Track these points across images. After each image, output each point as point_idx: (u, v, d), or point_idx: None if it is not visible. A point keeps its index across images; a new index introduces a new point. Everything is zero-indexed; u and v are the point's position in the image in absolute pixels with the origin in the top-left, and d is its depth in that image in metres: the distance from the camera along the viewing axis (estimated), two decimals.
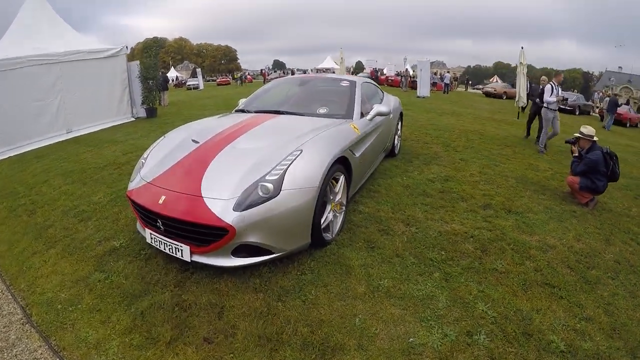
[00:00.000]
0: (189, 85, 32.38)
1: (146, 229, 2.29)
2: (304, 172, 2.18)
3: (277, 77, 6.13)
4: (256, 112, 3.42)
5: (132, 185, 2.44)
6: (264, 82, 34.16)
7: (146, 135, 7.31)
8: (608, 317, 2.04)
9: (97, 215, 3.35)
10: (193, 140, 2.70)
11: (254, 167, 2.22)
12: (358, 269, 2.38)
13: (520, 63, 10.65)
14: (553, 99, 6.23)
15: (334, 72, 35.92)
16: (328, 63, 42.91)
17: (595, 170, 3.59)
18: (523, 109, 10.73)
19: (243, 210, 1.97)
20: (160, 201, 2.12)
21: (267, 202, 2.00)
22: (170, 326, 1.88)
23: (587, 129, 3.79)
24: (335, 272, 2.34)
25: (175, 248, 2.13)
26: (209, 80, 40.75)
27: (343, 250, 2.59)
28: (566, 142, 4.14)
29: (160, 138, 3.01)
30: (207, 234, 2.01)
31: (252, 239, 2.00)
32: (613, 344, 1.84)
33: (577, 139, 3.86)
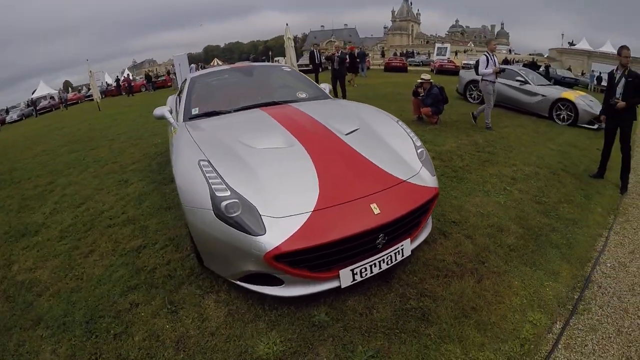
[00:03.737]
0: None
1: (341, 272, 1.90)
2: None
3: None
4: (241, 109, 3.17)
5: (277, 231, 1.81)
6: None
7: None
8: (511, 167, 4.57)
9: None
10: (272, 148, 2.35)
11: (389, 144, 2.56)
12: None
13: (288, 38, 14.00)
14: (489, 70, 6.17)
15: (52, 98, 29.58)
16: (43, 89, 34.04)
17: (438, 100, 6.47)
18: None
19: (434, 174, 2.45)
20: (376, 211, 1.94)
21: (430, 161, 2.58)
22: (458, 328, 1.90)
23: (427, 76, 6.63)
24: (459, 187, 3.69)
25: (395, 253, 2.05)
26: None
27: None
28: (415, 85, 6.88)
29: (215, 171, 2.11)
30: (421, 212, 2.18)
31: None
32: (526, 167, 4.40)
33: (421, 83, 6.62)
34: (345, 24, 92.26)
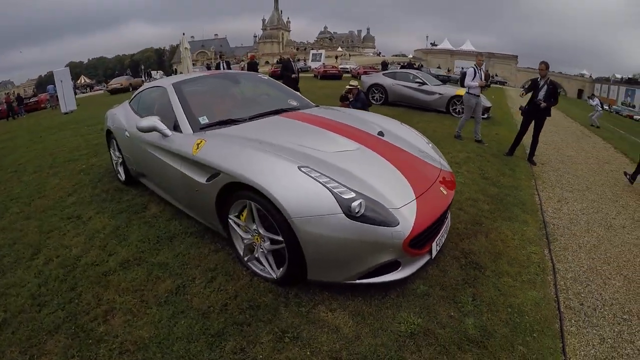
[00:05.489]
0: None
1: (432, 245, 2.44)
2: None
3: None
4: (255, 116, 3.30)
5: (405, 219, 2.15)
6: None
7: None
8: (447, 155, 6.03)
9: None
10: (345, 151, 2.65)
11: (411, 142, 3.18)
12: None
13: (186, 48, 14.03)
14: (475, 83, 6.77)
15: None
16: None
17: (364, 104, 7.70)
18: None
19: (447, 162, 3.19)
20: (445, 192, 2.56)
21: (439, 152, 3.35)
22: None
23: (355, 82, 7.77)
24: None
25: (447, 224, 2.78)
26: None
27: None
28: (345, 91, 7.95)
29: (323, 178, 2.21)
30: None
31: None
32: (460, 154, 5.82)
33: (350, 89, 7.75)
34: (216, 34, 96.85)
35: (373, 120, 3.57)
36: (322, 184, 2.13)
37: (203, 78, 4.08)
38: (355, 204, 2.05)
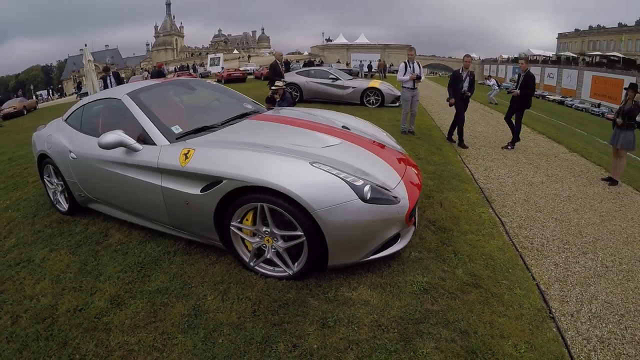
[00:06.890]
0: None
1: (415, 217, 2.86)
2: None
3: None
4: (227, 122, 3.35)
5: (401, 196, 2.54)
6: None
7: None
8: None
9: None
10: (331, 146, 2.87)
11: (370, 132, 3.59)
12: None
13: (89, 60, 13.09)
14: (406, 77, 7.11)
15: None
16: None
17: (291, 103, 8.01)
18: None
19: None
20: (415, 172, 2.99)
21: None
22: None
23: (280, 83, 7.98)
24: None
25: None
26: None
27: None
28: (271, 92, 8.10)
29: (334, 173, 2.41)
30: None
31: None
32: None
33: (276, 90, 7.95)
34: (107, 45, 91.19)
35: (332, 117, 3.85)
36: (335, 175, 2.36)
37: (156, 86, 3.92)
38: (366, 188, 2.35)
